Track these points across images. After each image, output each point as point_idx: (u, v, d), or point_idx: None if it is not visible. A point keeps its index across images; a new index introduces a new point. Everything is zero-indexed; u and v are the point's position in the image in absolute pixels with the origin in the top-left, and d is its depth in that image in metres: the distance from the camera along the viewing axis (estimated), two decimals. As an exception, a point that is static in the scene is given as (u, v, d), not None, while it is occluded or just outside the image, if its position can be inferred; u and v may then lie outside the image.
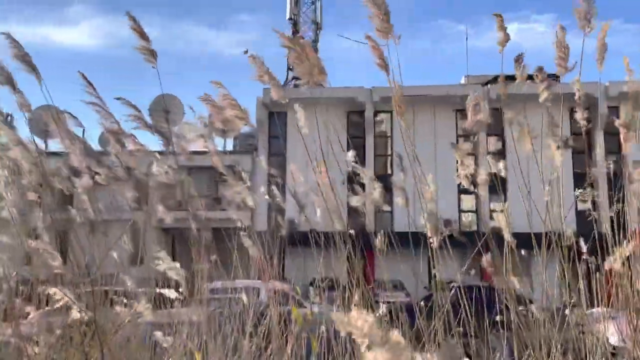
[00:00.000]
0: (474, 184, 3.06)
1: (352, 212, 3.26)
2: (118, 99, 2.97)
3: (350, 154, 3.21)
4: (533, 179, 3.31)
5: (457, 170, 3.02)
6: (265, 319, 2.95)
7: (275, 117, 25.26)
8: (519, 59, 3.15)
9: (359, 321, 0.92)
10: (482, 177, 3.06)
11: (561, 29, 3.01)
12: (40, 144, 3.31)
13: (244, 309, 2.95)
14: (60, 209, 2.88)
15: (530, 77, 3.19)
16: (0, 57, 2.60)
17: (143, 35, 2.88)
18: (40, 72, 2.75)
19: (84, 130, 3.98)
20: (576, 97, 3.01)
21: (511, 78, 3.40)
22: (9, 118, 3.14)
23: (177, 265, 2.48)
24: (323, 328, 2.96)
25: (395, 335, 0.91)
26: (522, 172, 3.16)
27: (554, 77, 3.33)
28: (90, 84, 2.70)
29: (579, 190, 3.67)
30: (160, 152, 3.28)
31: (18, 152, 2.49)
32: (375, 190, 2.98)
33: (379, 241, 3.15)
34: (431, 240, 2.75)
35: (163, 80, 3.06)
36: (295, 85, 31.78)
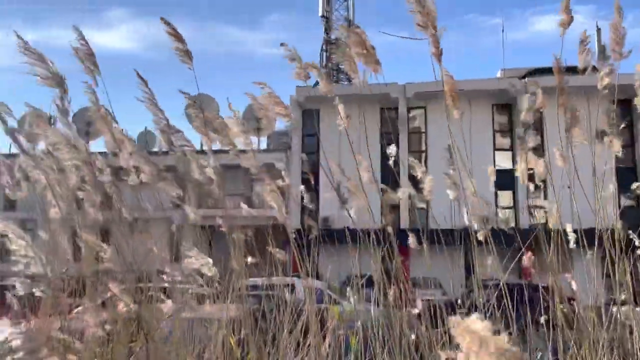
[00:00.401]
0: (531, 179, 3.00)
1: (386, 209, 3.24)
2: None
3: (392, 148, 3.19)
4: (573, 174, 3.21)
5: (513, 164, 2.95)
6: (301, 315, 2.96)
7: (309, 115, 25.35)
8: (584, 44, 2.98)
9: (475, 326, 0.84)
10: (541, 170, 2.98)
11: (618, 11, 2.87)
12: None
13: (280, 306, 2.98)
14: (104, 206, 2.97)
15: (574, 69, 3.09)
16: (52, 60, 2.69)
17: (178, 38, 2.93)
18: (83, 75, 2.85)
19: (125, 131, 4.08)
20: (636, 86, 2.87)
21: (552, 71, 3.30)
22: (52, 120, 3.26)
23: (210, 260, 2.52)
24: (359, 325, 2.96)
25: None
26: (565, 166, 3.07)
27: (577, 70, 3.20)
28: (144, 80, 2.77)
29: (637, 184, 3.51)
30: (199, 152, 3.34)
31: (66, 152, 2.57)
32: (427, 185, 2.94)
33: (415, 238, 3.12)
34: (479, 236, 2.70)
35: (200, 80, 3.10)
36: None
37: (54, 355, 1.50)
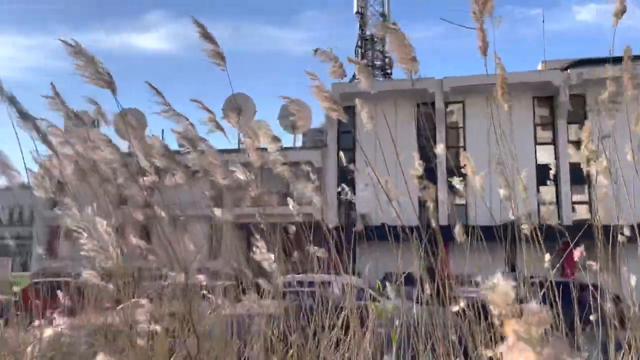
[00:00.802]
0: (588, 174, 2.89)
1: (425, 205, 3.19)
2: (194, 101, 3.08)
3: (441, 147, 3.14)
4: (619, 169, 3.09)
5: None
6: (341, 312, 2.96)
7: (345, 112, 25.27)
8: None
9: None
10: (603, 164, 2.87)
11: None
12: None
13: (320, 303, 2.98)
14: (144, 205, 3.04)
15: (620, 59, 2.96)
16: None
17: (209, 38, 2.94)
18: (124, 76, 2.92)
19: (162, 130, 4.17)
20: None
21: (599, 61, 3.18)
22: (96, 122, 3.35)
23: (272, 256, 2.54)
24: (398, 322, 2.93)
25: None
26: (610, 160, 2.96)
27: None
28: (158, 92, 2.81)
29: None
30: (234, 151, 3.38)
31: (108, 153, 2.64)
32: (477, 181, 2.88)
33: (458, 235, 3.06)
34: (525, 231, 2.63)
35: (235, 80, 3.13)
36: (364, 79, 31.53)
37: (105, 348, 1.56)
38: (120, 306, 2.57)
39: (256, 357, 2.80)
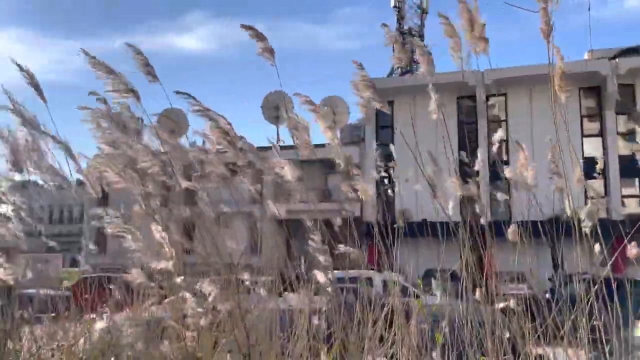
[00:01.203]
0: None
1: (466, 201, 3.14)
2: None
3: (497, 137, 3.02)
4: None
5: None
6: (382, 308, 2.95)
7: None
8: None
9: None
10: None
11: None
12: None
13: (364, 299, 2.97)
14: (186, 203, 3.11)
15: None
16: (126, 68, 2.84)
17: (260, 36, 2.99)
18: (165, 76, 2.99)
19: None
20: None
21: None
22: (140, 122, 3.44)
23: (327, 248, 2.57)
24: (442, 319, 2.89)
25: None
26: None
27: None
28: (189, 95, 2.87)
29: None
30: (268, 148, 3.41)
31: (147, 155, 2.72)
32: (529, 173, 2.81)
33: (512, 234, 2.99)
34: (585, 229, 2.55)
35: (273, 78, 3.16)
36: (402, 74, 31.33)
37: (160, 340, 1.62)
38: (166, 300, 2.64)
39: (300, 352, 2.82)
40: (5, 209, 3.79)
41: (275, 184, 2.97)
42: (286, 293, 3.34)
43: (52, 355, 3.31)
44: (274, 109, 28.17)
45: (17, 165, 3.42)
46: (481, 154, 3.42)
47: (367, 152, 25.40)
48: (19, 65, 3.22)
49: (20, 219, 3.77)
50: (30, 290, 4.15)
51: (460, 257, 2.96)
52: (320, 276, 2.72)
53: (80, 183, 3.51)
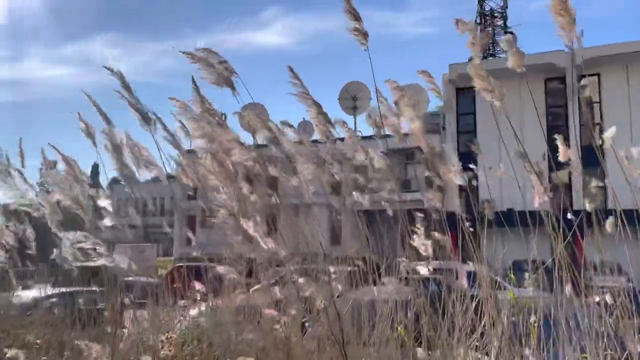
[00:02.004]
0: None
1: (556, 188, 2.97)
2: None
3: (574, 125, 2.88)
4: None
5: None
6: (469, 300, 2.88)
7: (464, 94, 24.28)
8: None
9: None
10: None
11: None
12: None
13: (451, 291, 2.92)
14: (269, 194, 3.20)
15: None
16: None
17: (356, 17, 2.91)
18: (244, 73, 3.09)
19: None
20: None
21: None
22: (224, 117, 3.59)
23: (429, 242, 2.56)
24: (535, 313, 2.78)
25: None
26: None
27: None
28: (296, 76, 2.92)
29: None
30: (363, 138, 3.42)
31: (236, 149, 2.83)
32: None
33: (610, 225, 2.80)
34: None
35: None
36: (484, 58, 30.15)
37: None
38: (253, 288, 2.74)
39: (385, 341, 2.83)
40: (106, 202, 4.10)
41: (356, 174, 2.98)
42: (371, 284, 3.35)
43: (154, 340, 3.54)
44: (352, 99, 28.14)
45: (120, 161, 3.69)
46: (573, 138, 3.22)
47: (447, 141, 24.73)
48: (109, 69, 3.46)
49: (118, 212, 4.07)
50: (129, 278, 4.47)
51: (552, 248, 2.81)
52: (421, 267, 2.70)
53: (171, 177, 3.72)
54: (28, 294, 4.91)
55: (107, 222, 3.94)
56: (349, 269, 3.47)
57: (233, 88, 2.90)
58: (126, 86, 3.50)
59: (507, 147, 2.99)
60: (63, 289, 4.71)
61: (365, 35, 2.90)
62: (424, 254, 2.58)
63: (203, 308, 3.75)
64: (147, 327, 3.64)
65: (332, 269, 2.89)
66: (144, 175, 3.55)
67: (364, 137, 3.27)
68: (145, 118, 3.48)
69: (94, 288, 3.96)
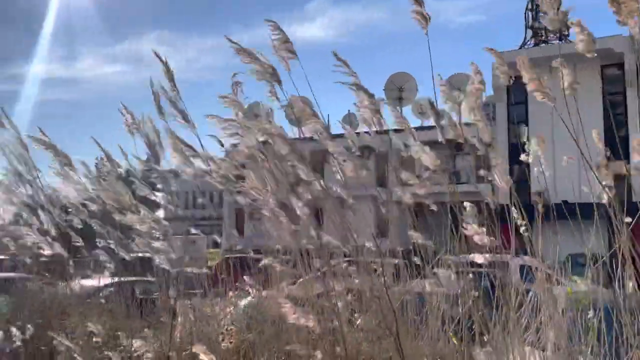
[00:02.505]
0: None
1: (615, 179, 2.84)
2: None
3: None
4: None
5: None
6: (525, 295, 2.80)
7: (515, 83, 23.53)
8: None
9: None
10: None
11: None
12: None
13: (502, 285, 2.85)
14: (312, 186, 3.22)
15: None
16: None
17: (417, 0, 2.91)
18: (291, 67, 3.10)
19: (328, 115, 4.35)
20: None
21: None
22: (270, 110, 3.63)
23: (484, 230, 2.53)
24: (594, 308, 2.68)
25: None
26: None
27: None
28: (346, 64, 2.91)
29: None
30: (397, 130, 3.38)
31: (279, 142, 2.86)
32: None
33: None
34: None
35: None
36: (536, 44, 29.14)
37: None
38: (300, 280, 2.77)
39: (437, 334, 2.80)
40: (157, 196, 4.24)
41: (402, 166, 2.94)
42: (419, 277, 3.32)
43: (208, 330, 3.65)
44: (398, 90, 27.80)
45: (156, 157, 3.80)
46: (632, 127, 3.06)
47: (498, 131, 24.08)
48: (164, 62, 3.57)
49: (168, 205, 4.19)
50: (181, 269, 4.61)
51: (609, 241, 2.70)
52: (478, 258, 2.66)
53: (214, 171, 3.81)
54: (88, 283, 5.16)
55: (160, 214, 4.05)
56: (396, 261, 3.45)
57: (279, 82, 2.92)
58: (172, 83, 3.62)
59: (562, 137, 2.88)
60: (121, 279, 4.92)
61: (427, 19, 2.88)
62: (479, 243, 2.53)
63: (251, 299, 3.82)
64: (199, 317, 3.75)
65: (380, 261, 2.88)
66: (191, 169, 3.65)
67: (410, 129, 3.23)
68: (184, 116, 3.59)
69: (149, 278, 4.11)
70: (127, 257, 4.41)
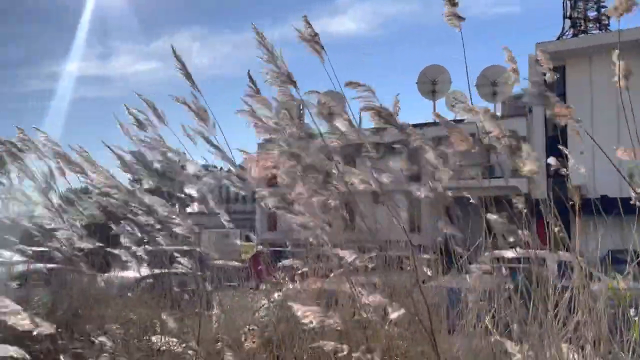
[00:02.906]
0: None
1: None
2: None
3: None
4: None
5: None
6: (563, 291, 2.74)
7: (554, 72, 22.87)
8: None
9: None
10: None
11: None
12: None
13: (539, 281, 2.80)
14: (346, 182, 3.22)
15: None
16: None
17: (452, 2, 2.97)
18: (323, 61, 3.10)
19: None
20: None
21: None
22: (301, 109, 3.65)
23: (515, 227, 2.49)
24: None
25: None
26: None
27: None
28: (355, 83, 2.93)
29: None
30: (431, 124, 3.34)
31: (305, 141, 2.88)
32: None
33: None
34: None
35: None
36: (574, 35, 28.30)
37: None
38: (333, 274, 2.78)
39: (473, 330, 2.77)
40: (193, 191, 4.32)
41: (431, 160, 2.91)
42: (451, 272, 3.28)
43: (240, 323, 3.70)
44: (431, 83, 27.45)
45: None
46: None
47: (534, 125, 23.51)
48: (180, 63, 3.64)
49: (203, 200, 4.27)
50: (215, 262, 4.70)
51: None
52: (510, 253, 2.62)
53: (243, 168, 3.87)
54: (128, 275, 5.30)
55: (194, 208, 4.12)
56: (429, 257, 3.42)
57: (295, 85, 2.94)
58: (190, 81, 3.69)
59: (601, 129, 2.79)
60: (158, 271, 5.04)
61: (460, 18, 2.92)
62: (511, 240, 2.49)
63: (283, 292, 3.86)
64: (234, 308, 3.82)
65: (413, 256, 2.86)
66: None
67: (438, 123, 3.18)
68: (203, 116, 3.66)
69: (185, 270, 4.20)
70: (162, 250, 4.53)
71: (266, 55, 2.97)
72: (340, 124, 3.05)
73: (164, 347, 3.41)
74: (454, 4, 2.90)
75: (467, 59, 3.03)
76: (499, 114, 27.09)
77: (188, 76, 3.69)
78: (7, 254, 5.60)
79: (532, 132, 22.95)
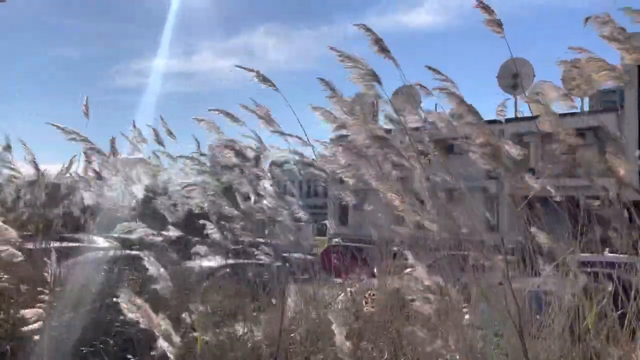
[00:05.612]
0: None
1: None
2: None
3: None
4: None
5: None
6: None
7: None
8: None
9: None
10: None
11: None
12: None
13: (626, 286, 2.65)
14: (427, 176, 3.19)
15: None
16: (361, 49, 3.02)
17: (487, 10, 2.99)
18: (398, 54, 3.09)
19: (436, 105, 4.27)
20: None
21: None
22: (375, 103, 3.65)
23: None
24: None
25: None
26: None
27: None
28: (434, 69, 2.92)
29: None
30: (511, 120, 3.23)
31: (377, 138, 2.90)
32: None
33: None
34: None
35: (512, 45, 3.06)
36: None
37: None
38: (407, 271, 2.78)
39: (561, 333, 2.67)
40: (267, 184, 4.45)
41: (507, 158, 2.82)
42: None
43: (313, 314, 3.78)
44: (512, 77, 26.29)
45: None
46: None
47: (626, 120, 21.94)
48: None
49: (276, 193, 4.39)
50: (289, 254, 4.81)
51: None
52: (601, 258, 2.51)
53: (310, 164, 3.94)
54: (205, 264, 5.55)
55: (268, 202, 4.26)
56: (506, 257, 3.30)
57: (379, 82, 2.96)
58: (264, 79, 3.80)
59: None
60: (234, 261, 5.24)
61: (499, 25, 2.96)
62: (544, 242, 2.37)
63: (360, 286, 3.91)
64: (309, 301, 3.90)
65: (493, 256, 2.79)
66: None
67: (524, 118, 3.08)
68: (268, 119, 3.78)
69: (261, 261, 4.34)
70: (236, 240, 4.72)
71: (348, 61, 3.00)
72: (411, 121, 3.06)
73: (246, 336, 3.55)
74: (489, 12, 2.94)
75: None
76: (586, 109, 25.51)
77: (265, 79, 3.82)
78: (100, 239, 6.05)
79: (625, 129, 21.42)
